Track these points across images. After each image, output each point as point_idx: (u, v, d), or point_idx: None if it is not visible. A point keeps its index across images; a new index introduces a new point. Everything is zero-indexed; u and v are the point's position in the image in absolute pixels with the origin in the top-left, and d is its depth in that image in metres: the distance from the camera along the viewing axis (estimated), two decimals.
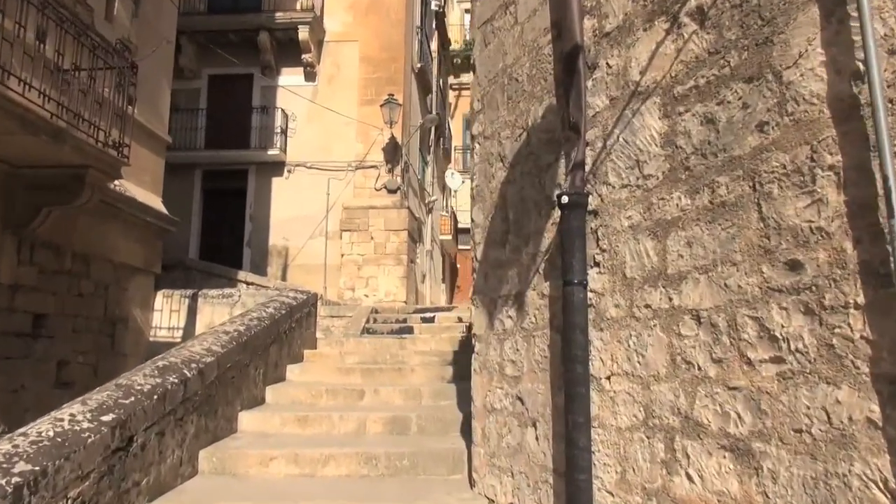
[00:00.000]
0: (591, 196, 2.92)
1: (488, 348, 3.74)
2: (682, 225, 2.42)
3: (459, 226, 23.40)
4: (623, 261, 2.73)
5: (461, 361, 7.47)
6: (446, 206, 22.64)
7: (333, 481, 4.18)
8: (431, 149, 19.54)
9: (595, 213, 2.91)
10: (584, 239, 2.87)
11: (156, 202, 8.41)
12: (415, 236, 15.68)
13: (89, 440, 2.95)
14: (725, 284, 2.22)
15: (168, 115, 8.87)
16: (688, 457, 2.31)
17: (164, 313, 8.33)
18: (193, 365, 4.26)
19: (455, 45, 25.48)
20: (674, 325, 2.43)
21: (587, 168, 2.94)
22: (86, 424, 3.04)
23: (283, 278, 14.26)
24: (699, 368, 2.30)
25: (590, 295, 2.86)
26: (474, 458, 3.84)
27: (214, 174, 14.92)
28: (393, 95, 14.21)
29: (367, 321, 11.07)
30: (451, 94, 25.54)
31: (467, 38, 26.51)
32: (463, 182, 22.85)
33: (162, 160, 8.77)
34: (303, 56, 14.82)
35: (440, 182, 21.67)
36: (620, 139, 2.78)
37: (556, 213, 3.19)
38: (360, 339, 9.02)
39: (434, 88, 19.39)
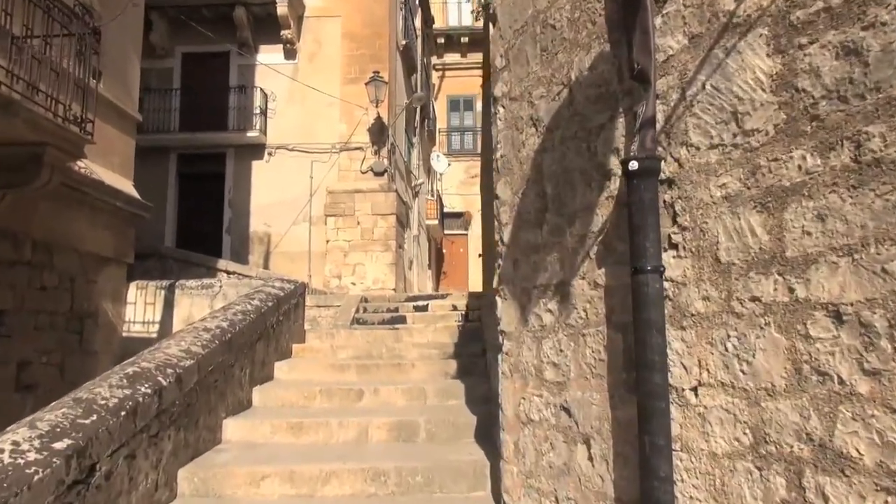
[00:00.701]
0: (662, 162, 2.34)
1: (521, 348, 3.16)
2: (808, 193, 1.85)
3: (445, 210, 22.81)
4: (714, 241, 2.15)
5: (463, 354, 6.91)
6: (432, 189, 21.99)
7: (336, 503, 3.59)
8: (417, 130, 18.86)
9: (670, 182, 2.33)
10: (657, 215, 2.30)
11: (126, 186, 7.70)
12: (403, 221, 15.05)
13: (36, 477, 2.33)
14: (884, 270, 1.66)
15: (138, 92, 8.13)
16: (825, 499, 1.76)
17: (139, 306, 7.66)
18: (170, 370, 3.63)
19: (438, 24, 24.69)
20: (797, 324, 1.86)
21: (658, 126, 2.36)
22: (32, 456, 2.42)
23: (266, 266, 13.57)
24: (841, 382, 1.74)
25: (665, 285, 2.29)
26: (505, 475, 3.27)
27: (190, 158, 14.14)
28: (378, 73, 13.52)
29: (357, 311, 10.46)
30: (435, 75, 24.80)
31: (450, 16, 25.78)
32: (449, 165, 22.25)
33: (132, 140, 8.04)
34: (282, 32, 14.04)
35: (425, 165, 21.00)
36: (707, 87, 2.20)
37: (613, 184, 2.61)
38: (352, 330, 8.42)
39: (419, 67, 18.67)
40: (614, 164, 2.61)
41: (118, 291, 7.56)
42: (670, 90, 2.36)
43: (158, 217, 13.77)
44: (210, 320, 4.86)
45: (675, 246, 2.30)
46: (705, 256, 2.18)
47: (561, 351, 2.88)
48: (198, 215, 14.09)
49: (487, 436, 4.37)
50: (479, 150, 25.02)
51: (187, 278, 11.17)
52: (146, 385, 3.32)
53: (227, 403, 4.58)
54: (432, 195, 21.54)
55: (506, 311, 3.29)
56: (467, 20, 25.72)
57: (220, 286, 7.70)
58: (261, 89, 14.04)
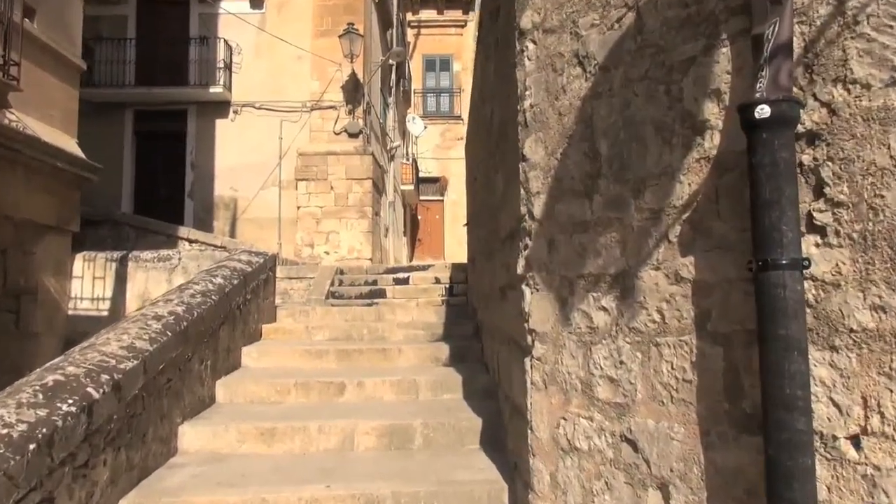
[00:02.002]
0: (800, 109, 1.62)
1: (560, 353, 2.45)
2: None
3: (421, 175, 21.95)
4: (893, 223, 1.45)
5: (454, 335, 6.23)
6: (407, 153, 21.08)
7: None
8: (392, 91, 17.87)
9: (812, 137, 1.61)
10: (796, 184, 1.58)
11: (69, 144, 6.75)
12: (379, 186, 14.20)
13: None
14: None
15: (80, 35, 7.12)
16: None
17: (86, 281, 6.79)
18: (105, 377, 2.85)
19: None
20: None
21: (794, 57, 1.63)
22: None
23: (232, 234, 12.67)
24: None
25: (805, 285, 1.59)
26: None
27: (148, 115, 13.04)
28: (353, 25, 12.50)
29: (332, 284, 9.69)
30: (410, 33, 23.64)
31: None
32: (425, 128, 21.31)
33: (75, 91, 7.06)
34: None
35: (401, 128, 20.05)
36: None
37: (709, 140, 1.89)
38: (328, 307, 7.66)
39: (395, 23, 17.59)
40: (711, 112, 1.89)
41: (61, 264, 6.68)
42: (814, 4, 1.62)
43: (114, 180, 12.74)
44: (162, 305, 4.06)
45: (818, 230, 1.60)
46: (877, 246, 1.48)
47: (621, 363, 2.18)
48: (157, 178, 13.07)
49: (495, 442, 3.70)
50: (456, 113, 24.15)
51: (145, 247, 10.26)
52: (70, 400, 2.55)
53: (183, 405, 3.82)
54: (407, 159, 20.65)
55: (538, 305, 2.57)
56: None
57: (180, 258, 6.85)
58: (224, 41, 12.93)
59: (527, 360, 2.67)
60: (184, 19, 13.12)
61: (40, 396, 2.50)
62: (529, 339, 2.63)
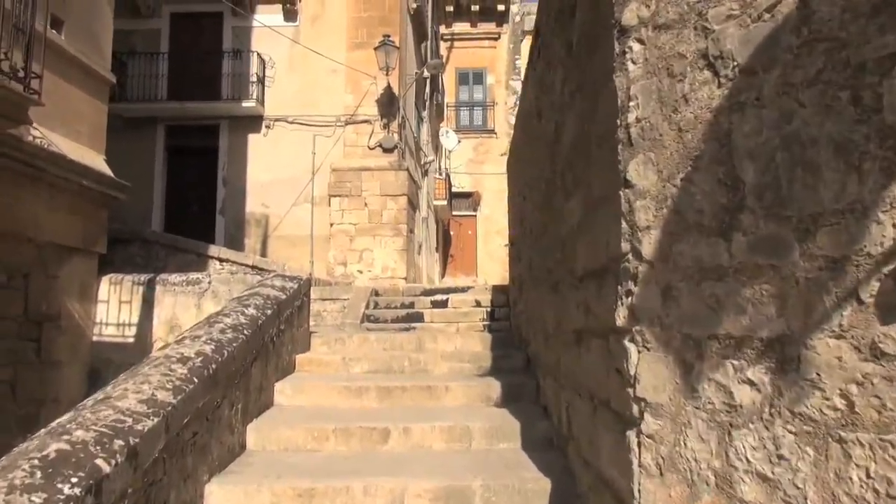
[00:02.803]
0: None
1: (683, 433, 1.93)
2: None
3: (453, 189, 21.52)
4: None
5: (503, 369, 5.71)
6: (440, 168, 20.68)
7: None
8: (426, 104, 17.50)
9: None
10: None
11: (96, 161, 6.42)
12: (414, 202, 13.77)
13: None
14: None
15: (110, 47, 6.81)
16: None
17: (112, 305, 6.43)
18: (119, 443, 2.40)
19: None
20: None
21: None
22: None
23: (263, 252, 12.32)
24: None
25: None
26: None
27: (180, 130, 12.80)
28: (389, 37, 12.14)
29: (367, 306, 9.25)
30: (443, 46, 23.31)
31: None
32: (459, 142, 20.91)
33: (104, 106, 6.74)
34: None
35: (434, 142, 19.67)
36: None
37: None
38: (364, 334, 7.20)
39: (430, 35, 17.25)
40: None
41: (87, 288, 6.33)
42: None
43: (145, 196, 12.51)
44: (189, 343, 3.62)
45: None
46: None
47: (781, 458, 1.65)
48: (188, 194, 12.80)
49: None
50: (489, 127, 23.70)
51: (175, 266, 9.94)
52: (74, 479, 2.09)
53: (211, 458, 3.36)
54: (440, 174, 20.24)
55: (649, 368, 2.05)
56: None
57: (209, 282, 6.46)
58: (258, 54, 12.66)
59: (630, 433, 2.14)
60: (217, 33, 12.90)
61: (38, 475, 2.05)
62: (635, 408, 2.11)
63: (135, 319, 6.42)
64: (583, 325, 2.98)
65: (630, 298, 2.17)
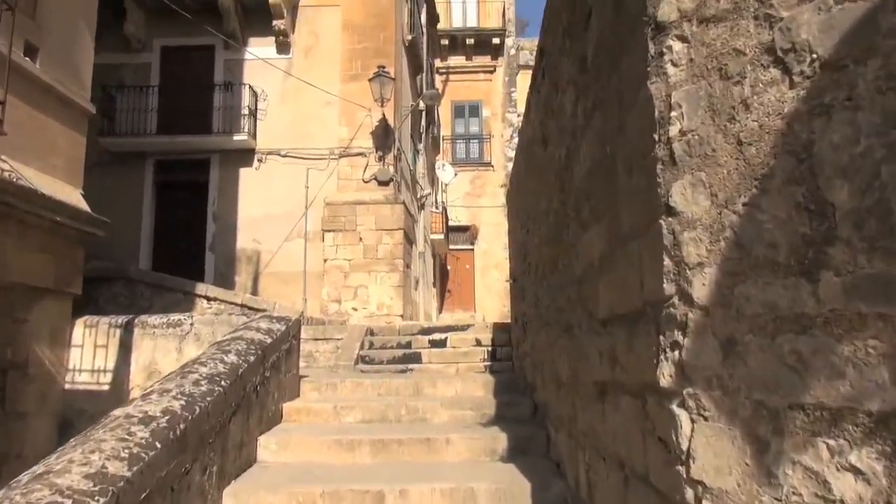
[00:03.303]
0: None
1: None
2: None
3: (450, 223, 21.18)
4: None
5: (507, 417, 5.26)
6: (436, 201, 20.38)
7: None
8: (422, 136, 17.25)
9: None
10: None
11: (72, 196, 6.03)
12: (410, 236, 13.39)
13: None
14: None
15: (90, 77, 6.47)
16: None
17: (86, 350, 5.97)
18: None
19: (441, 25, 23.11)
20: None
21: None
22: None
23: (255, 289, 11.88)
24: None
25: None
26: None
27: (169, 164, 12.47)
28: (384, 68, 11.90)
29: (362, 346, 8.79)
30: (438, 79, 23.23)
31: (454, 16, 24.27)
32: (455, 175, 20.65)
33: (82, 138, 6.37)
34: (274, 23, 12.44)
35: (430, 175, 19.40)
36: None
37: None
38: (358, 378, 6.74)
39: (425, 67, 17.09)
40: None
41: (58, 332, 5.88)
42: None
43: (132, 233, 12.12)
44: (155, 399, 3.18)
45: None
46: None
47: None
48: (178, 230, 12.41)
49: None
50: (486, 160, 23.47)
51: (161, 305, 9.50)
52: None
53: None
54: (437, 207, 19.93)
55: (708, 443, 1.63)
56: (472, 20, 24.29)
57: (192, 324, 6.02)
58: (250, 87, 12.40)
59: None
60: (208, 66, 12.66)
61: None
62: (689, 493, 1.68)
63: (111, 365, 5.96)
64: (608, 377, 2.56)
65: (677, 352, 1.75)
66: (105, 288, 9.47)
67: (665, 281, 1.80)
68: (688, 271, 1.71)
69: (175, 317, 6.08)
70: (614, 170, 2.39)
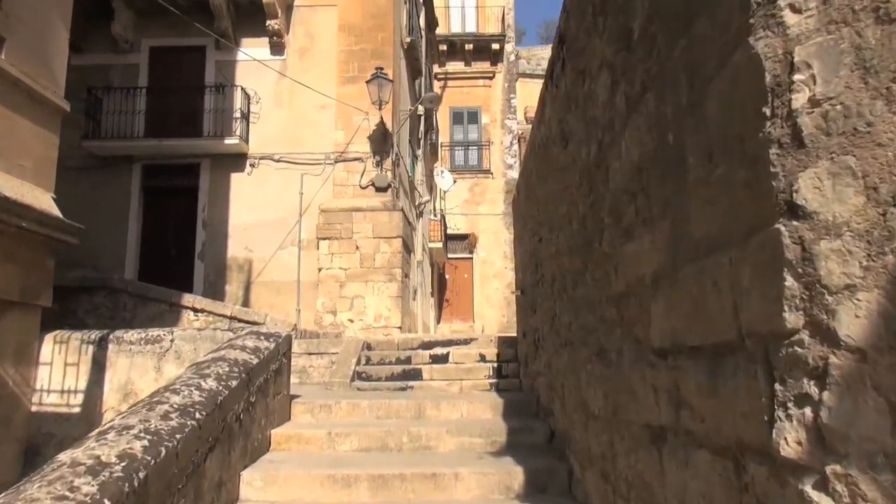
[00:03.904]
0: None
1: None
2: None
3: (449, 231, 20.69)
4: None
5: (521, 444, 4.75)
6: (434, 209, 19.89)
7: None
8: (421, 142, 16.78)
9: None
10: None
11: (41, 200, 5.51)
12: (409, 245, 12.88)
13: None
14: None
15: (64, 71, 5.96)
16: None
17: (56, 368, 5.42)
18: None
19: (440, 30, 22.69)
20: None
21: None
22: None
23: (246, 300, 11.34)
24: None
25: None
26: None
27: (158, 169, 11.95)
28: (382, 69, 11.43)
29: (359, 361, 8.26)
30: (437, 85, 22.78)
31: (452, 22, 23.87)
32: (455, 182, 20.19)
33: (55, 137, 5.86)
34: (268, 23, 11.96)
35: (429, 182, 18.92)
36: None
37: None
38: (354, 395, 6.21)
39: (423, 71, 16.64)
40: None
41: (25, 348, 5.34)
42: None
43: (118, 240, 11.60)
44: (112, 440, 2.65)
45: None
46: None
47: None
48: (165, 238, 11.88)
49: None
50: (484, 167, 22.99)
51: (145, 316, 8.97)
52: None
53: None
54: (435, 215, 19.44)
55: None
56: (471, 26, 23.89)
57: (172, 340, 5.49)
58: (242, 89, 11.90)
59: None
60: (199, 67, 12.17)
61: None
62: None
63: (82, 385, 5.43)
64: (668, 422, 2.05)
65: (809, 410, 1.25)
66: (86, 298, 8.93)
67: (787, 309, 1.29)
68: (827, 297, 1.21)
69: (154, 332, 5.55)
70: (681, 162, 1.89)
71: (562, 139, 4.26)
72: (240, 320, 9.00)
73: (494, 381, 7.62)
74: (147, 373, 5.43)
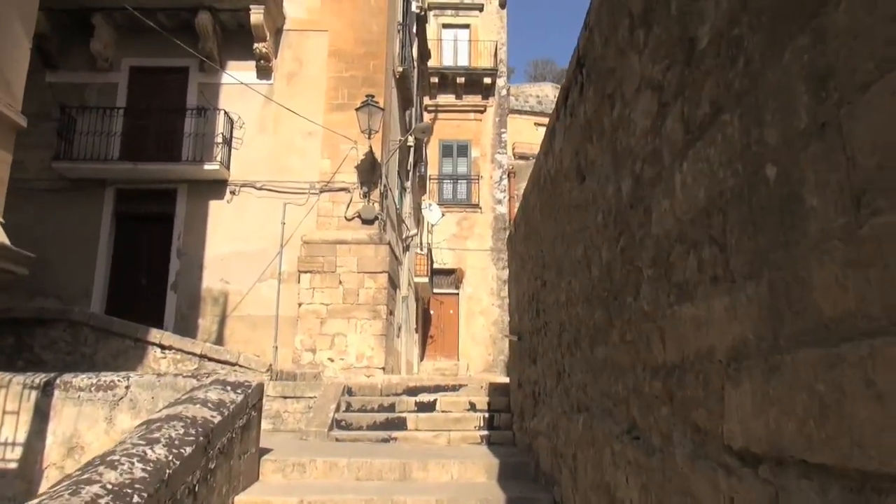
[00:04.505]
0: None
1: None
2: None
3: (435, 266, 20.14)
4: None
5: None
6: (421, 242, 19.36)
7: None
8: (409, 174, 16.32)
9: None
10: None
11: None
12: (395, 280, 12.30)
13: None
14: None
15: (22, 85, 5.39)
16: None
17: None
18: None
19: (432, 63, 22.44)
20: None
21: None
22: None
23: (220, 335, 10.65)
24: None
25: None
26: None
27: (132, 194, 11.32)
28: (373, 97, 10.98)
29: (338, 407, 7.61)
30: (427, 118, 22.44)
31: (444, 55, 23.67)
32: (443, 215, 19.72)
33: (6, 154, 5.28)
34: (255, 46, 11.50)
35: (416, 215, 18.42)
36: None
37: None
38: (333, 452, 5.57)
39: (415, 102, 16.26)
40: None
41: None
42: None
43: (86, 269, 10.92)
44: None
45: None
46: None
47: None
48: (137, 267, 11.20)
49: None
50: (473, 201, 22.57)
51: (107, 353, 8.28)
52: None
53: None
54: (422, 249, 18.90)
55: None
56: (463, 60, 23.71)
57: (127, 387, 4.84)
58: (225, 113, 11.37)
59: None
60: (181, 89, 11.64)
61: None
62: None
63: (21, 437, 4.75)
64: None
65: None
66: (42, 332, 8.24)
67: None
68: None
69: (107, 377, 4.90)
70: (791, 205, 1.38)
71: (577, 174, 3.76)
72: (210, 359, 8.34)
73: (485, 433, 7.01)
74: (97, 424, 4.77)
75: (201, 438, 3.42)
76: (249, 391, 4.51)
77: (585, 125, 3.53)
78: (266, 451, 5.36)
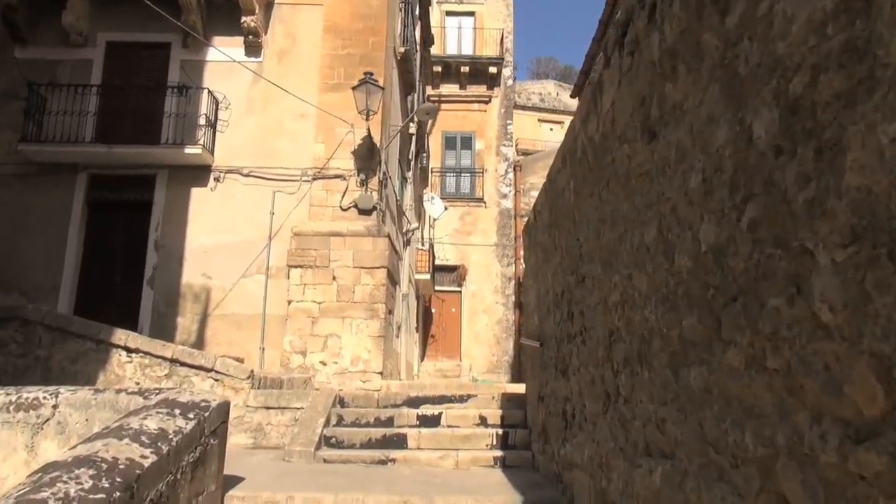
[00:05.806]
0: None
1: None
2: None
3: (437, 262, 19.12)
4: None
5: None
6: (422, 237, 18.34)
7: None
8: (411, 164, 15.30)
9: None
10: None
11: None
12: (395, 277, 11.30)
13: None
14: None
15: None
16: None
17: None
18: None
19: (435, 51, 21.40)
20: None
21: None
22: None
23: (200, 336, 9.65)
24: None
25: None
26: None
27: (106, 180, 10.31)
28: (372, 75, 9.97)
29: (328, 421, 6.61)
30: None
31: (448, 43, 22.64)
32: (446, 209, 18.68)
33: None
34: (243, 20, 10.49)
35: (417, 208, 17.41)
36: None
37: None
38: (317, 487, 4.56)
39: (417, 87, 15.24)
40: None
41: None
42: None
43: (54, 262, 9.90)
44: None
45: None
46: None
47: None
48: (111, 259, 10.20)
49: None
50: (477, 195, 21.52)
51: (64, 355, 7.29)
52: None
53: None
54: (423, 244, 17.88)
55: None
56: (468, 48, 22.68)
57: (56, 406, 3.84)
58: (210, 92, 10.36)
59: None
60: (162, 66, 10.62)
61: None
62: None
63: None
64: None
65: None
66: None
67: None
68: None
69: (31, 393, 3.90)
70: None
71: (643, 130, 2.76)
72: (182, 364, 7.34)
73: (500, 453, 6.01)
74: (14, 453, 3.77)
75: (117, 494, 2.42)
76: (206, 415, 3.51)
77: (662, 58, 2.52)
78: (235, 480, 4.38)
